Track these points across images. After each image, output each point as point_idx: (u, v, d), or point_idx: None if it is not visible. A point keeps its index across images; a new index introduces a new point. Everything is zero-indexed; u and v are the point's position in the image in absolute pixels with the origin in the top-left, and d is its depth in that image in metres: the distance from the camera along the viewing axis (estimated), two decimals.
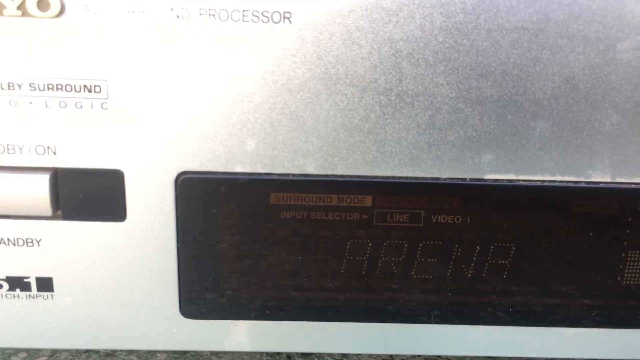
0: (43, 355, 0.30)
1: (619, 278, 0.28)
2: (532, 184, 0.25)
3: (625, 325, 0.29)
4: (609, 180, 0.25)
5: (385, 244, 0.27)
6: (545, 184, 0.25)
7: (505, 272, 0.27)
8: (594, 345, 0.29)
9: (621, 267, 0.27)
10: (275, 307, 0.27)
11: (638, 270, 0.27)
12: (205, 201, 0.25)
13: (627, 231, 0.27)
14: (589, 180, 0.25)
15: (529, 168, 0.25)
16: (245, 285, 0.27)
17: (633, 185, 0.25)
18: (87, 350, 0.30)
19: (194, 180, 0.25)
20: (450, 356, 0.31)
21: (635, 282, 0.28)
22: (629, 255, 0.27)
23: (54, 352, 0.30)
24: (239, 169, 0.25)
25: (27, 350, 0.30)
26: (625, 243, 0.27)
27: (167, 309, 0.27)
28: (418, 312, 0.28)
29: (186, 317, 0.27)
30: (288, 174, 0.25)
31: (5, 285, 0.26)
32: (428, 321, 0.28)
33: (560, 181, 0.25)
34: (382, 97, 0.24)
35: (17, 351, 0.30)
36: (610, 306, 0.28)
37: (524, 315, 0.28)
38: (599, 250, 0.27)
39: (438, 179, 0.25)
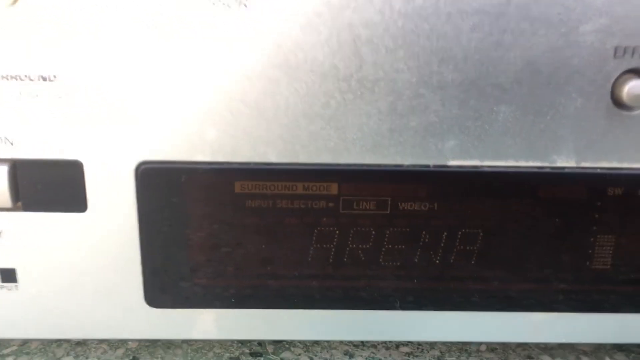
0: (13, 345, 0.30)
1: (588, 263, 0.27)
2: (497, 169, 0.25)
3: (596, 310, 0.28)
4: (573, 165, 0.25)
5: (352, 231, 0.27)
6: (510, 169, 0.25)
7: (474, 258, 0.27)
8: (563, 329, 0.29)
9: (590, 251, 0.27)
10: (241, 295, 0.27)
11: (607, 255, 0.27)
12: (166, 191, 0.25)
13: (596, 216, 0.27)
14: (553, 165, 0.25)
15: (493, 153, 0.25)
16: (211, 274, 0.27)
17: (599, 170, 0.25)
18: (57, 340, 0.30)
19: (154, 170, 0.25)
20: (422, 342, 0.31)
21: (604, 267, 0.28)
22: (598, 240, 0.27)
23: (25, 342, 0.30)
24: (199, 157, 0.25)
25: None
26: (594, 228, 0.27)
27: (132, 298, 0.26)
28: (387, 298, 0.28)
29: (152, 306, 0.27)
30: (250, 163, 0.25)
31: None
32: (398, 307, 0.28)
33: (525, 167, 0.25)
34: (342, 84, 0.24)
35: None
36: (580, 291, 0.28)
37: (493, 300, 0.28)
38: (567, 236, 0.27)
39: (401, 165, 0.25)
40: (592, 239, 0.27)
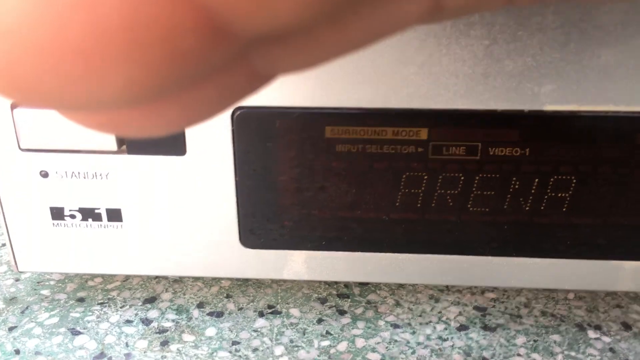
0: (117, 281, 0.32)
1: None
2: (595, 113, 0.24)
3: None
4: None
5: (441, 177, 0.27)
6: (609, 113, 0.24)
7: (565, 205, 0.27)
8: None
9: None
10: (332, 238, 0.28)
11: None
12: (261, 135, 0.26)
13: None
14: None
15: (592, 98, 0.24)
16: (302, 217, 0.27)
17: None
18: (156, 277, 0.32)
19: (250, 115, 0.25)
20: (507, 287, 0.31)
21: None
22: None
23: (127, 278, 0.32)
24: (293, 103, 0.25)
25: (102, 276, 0.33)
26: None
27: (228, 239, 0.28)
28: (474, 244, 0.28)
29: (246, 247, 0.28)
30: (341, 108, 0.25)
31: (79, 216, 0.28)
32: (484, 253, 0.28)
33: (625, 111, 0.24)
34: (436, 27, 0.23)
35: (93, 276, 0.33)
36: None
37: (583, 248, 0.28)
38: None
39: (495, 111, 0.25)
40: None
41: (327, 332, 0.28)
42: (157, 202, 0.27)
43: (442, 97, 0.25)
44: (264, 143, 0.26)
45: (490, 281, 0.30)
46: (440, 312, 0.30)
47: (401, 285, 0.32)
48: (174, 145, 0.26)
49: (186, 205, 0.27)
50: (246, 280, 0.32)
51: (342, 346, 0.28)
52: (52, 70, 0.09)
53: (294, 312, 0.30)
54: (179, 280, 0.32)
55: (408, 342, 0.28)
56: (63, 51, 0.09)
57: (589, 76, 0.24)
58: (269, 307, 0.30)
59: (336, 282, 0.32)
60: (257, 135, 0.26)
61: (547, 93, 0.24)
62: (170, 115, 0.11)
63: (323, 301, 0.31)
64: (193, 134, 0.26)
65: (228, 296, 0.31)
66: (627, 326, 0.29)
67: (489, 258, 0.29)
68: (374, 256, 0.29)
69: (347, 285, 0.32)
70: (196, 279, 0.32)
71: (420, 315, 0.30)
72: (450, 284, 0.31)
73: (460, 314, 0.30)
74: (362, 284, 0.32)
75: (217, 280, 0.32)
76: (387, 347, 0.27)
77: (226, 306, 0.30)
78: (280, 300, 0.31)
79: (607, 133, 0.25)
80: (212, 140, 0.26)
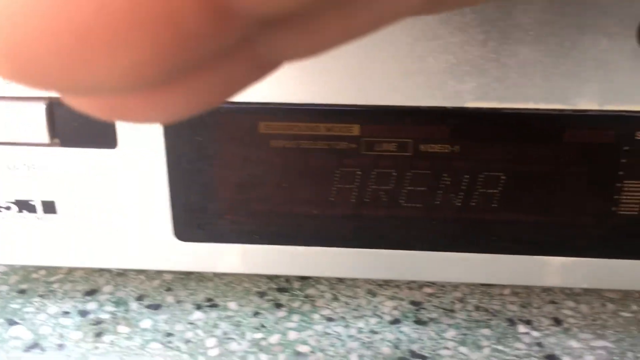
0: (60, 273, 0.33)
1: (615, 208, 0.27)
2: (517, 112, 0.25)
3: (623, 256, 0.28)
4: (596, 107, 0.24)
5: (374, 172, 0.27)
6: (531, 112, 0.25)
7: (496, 201, 0.27)
8: (589, 274, 0.29)
9: (616, 197, 0.27)
10: (265, 232, 0.28)
11: (634, 201, 0.27)
12: (191, 129, 0.26)
13: (623, 160, 0.26)
14: (575, 108, 0.24)
15: (513, 95, 0.24)
16: (237, 210, 0.28)
17: (624, 113, 0.25)
18: (100, 270, 0.33)
19: None
20: (445, 283, 0.32)
21: (631, 213, 0.27)
22: (625, 185, 0.27)
23: (70, 271, 0.33)
24: None
25: (47, 268, 0.33)
26: (620, 173, 0.26)
27: (163, 232, 0.28)
28: (409, 239, 0.29)
29: (180, 240, 0.28)
30: (272, 103, 0.26)
31: (14, 208, 0.28)
32: (419, 248, 0.29)
33: (545, 109, 0.25)
34: None
35: (37, 269, 0.33)
36: (605, 236, 0.28)
37: (515, 244, 0.28)
38: (592, 180, 0.27)
39: (419, 107, 0.25)
40: (618, 184, 0.27)
41: (262, 325, 0.29)
42: (91, 195, 0.27)
43: (373, 94, 0.25)
44: (194, 137, 0.26)
45: (426, 276, 0.30)
46: (375, 307, 0.30)
47: (341, 280, 0.32)
48: (105, 138, 0.26)
49: (119, 198, 0.27)
50: (189, 273, 0.32)
51: (274, 338, 0.28)
52: (55, 52, 0.09)
53: (232, 305, 0.30)
54: (122, 273, 0.32)
55: (339, 335, 0.28)
56: (66, 33, 0.09)
57: (509, 74, 0.24)
58: (208, 300, 0.31)
59: (277, 277, 0.32)
60: (187, 129, 0.26)
61: (469, 90, 0.25)
62: (174, 102, 0.11)
63: (262, 295, 0.31)
64: (125, 127, 0.26)
65: (169, 289, 0.31)
66: (558, 321, 0.29)
67: (425, 253, 0.29)
68: (314, 250, 0.29)
69: (288, 279, 0.32)
70: (139, 272, 0.33)
71: (355, 309, 0.30)
72: (387, 278, 0.31)
73: (395, 308, 0.30)
74: (303, 279, 0.32)
75: (159, 273, 0.32)
76: (318, 340, 0.28)
77: (165, 299, 0.31)
78: (219, 294, 0.31)
79: (533, 130, 0.26)
80: (144, 133, 0.26)
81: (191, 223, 0.28)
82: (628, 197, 0.27)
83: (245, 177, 0.27)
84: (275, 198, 0.28)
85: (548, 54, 0.24)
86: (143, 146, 0.26)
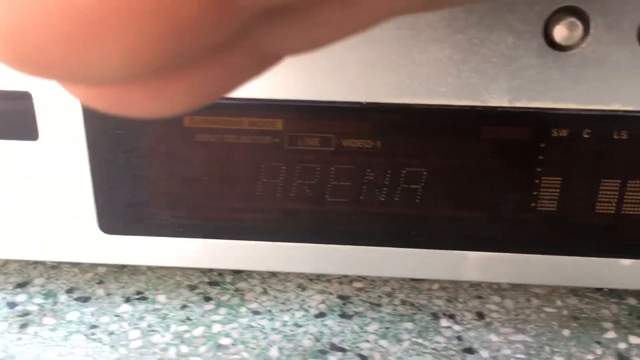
0: None
1: (533, 204, 0.28)
2: (431, 108, 0.25)
3: (540, 252, 0.28)
4: (506, 104, 0.25)
5: (298, 167, 0.28)
6: (442, 108, 0.25)
7: (418, 197, 0.28)
8: (515, 270, 0.29)
9: (535, 193, 0.27)
10: (189, 226, 0.29)
11: (552, 197, 0.27)
12: (113, 122, 0.26)
13: (540, 157, 0.27)
14: (486, 104, 0.25)
15: (425, 92, 0.25)
16: (161, 204, 0.28)
17: (538, 110, 0.25)
18: (34, 262, 0.33)
19: None
20: (375, 277, 0.32)
21: (550, 209, 0.28)
22: (543, 181, 0.27)
23: (5, 263, 0.33)
24: None
25: None
26: (538, 169, 0.27)
27: (87, 224, 0.28)
28: (336, 233, 0.29)
29: (105, 232, 0.28)
30: None
31: None
32: (347, 242, 0.29)
33: (459, 106, 0.25)
34: None
35: None
36: (525, 232, 0.28)
37: (440, 238, 0.28)
38: (511, 176, 0.27)
39: (335, 102, 0.26)
40: (536, 180, 0.27)
41: (188, 318, 0.29)
42: (15, 187, 0.28)
43: (296, 88, 0.26)
44: (116, 130, 0.26)
45: (354, 270, 0.30)
46: (303, 300, 0.30)
47: (273, 274, 0.32)
48: (26, 130, 0.26)
49: (43, 190, 0.28)
50: (122, 267, 0.33)
51: (199, 331, 0.28)
52: (55, 39, 0.09)
53: (161, 298, 0.30)
54: (55, 266, 0.33)
55: (263, 328, 0.28)
56: (66, 19, 0.09)
57: (420, 71, 0.25)
58: (138, 293, 0.31)
59: (211, 270, 0.33)
60: (109, 122, 0.26)
61: (382, 86, 0.25)
62: (174, 95, 0.11)
63: (192, 288, 0.31)
64: (45, 119, 0.26)
65: (100, 282, 0.32)
66: (481, 316, 0.30)
67: (352, 247, 0.29)
68: (245, 244, 0.30)
69: (221, 273, 0.32)
70: (73, 264, 0.33)
71: (283, 303, 0.30)
72: (317, 272, 0.32)
73: (322, 302, 0.30)
74: (236, 272, 0.32)
75: (93, 266, 0.33)
76: (241, 333, 0.28)
77: (95, 292, 0.31)
78: (150, 287, 0.31)
79: (451, 127, 0.26)
80: (65, 125, 0.26)
81: (115, 216, 0.28)
82: (546, 194, 0.27)
83: (170, 171, 0.28)
84: (201, 192, 0.28)
85: (457, 51, 0.24)
86: (64, 139, 0.26)
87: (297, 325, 0.29)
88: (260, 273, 0.32)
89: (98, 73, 0.10)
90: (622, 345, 0.28)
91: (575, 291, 0.31)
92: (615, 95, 0.24)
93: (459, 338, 0.28)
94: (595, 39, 0.23)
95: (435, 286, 0.32)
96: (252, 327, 0.29)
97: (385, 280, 0.32)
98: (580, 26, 0.22)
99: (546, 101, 0.25)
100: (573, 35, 0.22)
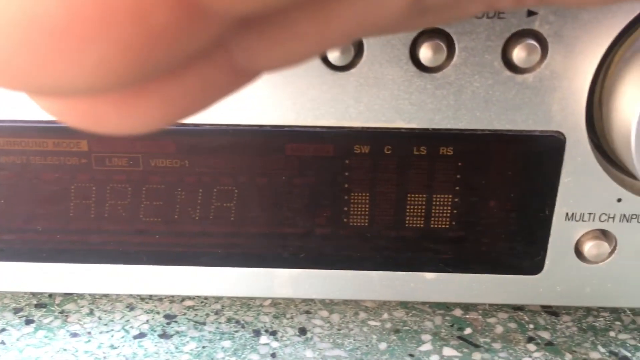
0: None
1: (346, 220, 0.28)
2: (237, 127, 0.26)
3: (352, 267, 0.29)
4: (309, 124, 0.25)
5: (109, 187, 0.28)
6: (243, 127, 0.26)
7: (233, 215, 0.28)
8: (313, 284, 0.30)
9: (346, 209, 0.28)
10: (12, 249, 0.28)
11: (361, 212, 0.28)
12: None
13: (346, 173, 0.27)
14: (290, 124, 0.25)
15: (231, 111, 0.25)
16: None
17: (341, 130, 0.26)
18: None
19: None
20: (209, 296, 0.32)
21: (361, 224, 0.28)
22: (352, 197, 0.28)
23: None
24: None
25: None
26: (346, 185, 0.27)
27: None
28: (150, 253, 0.29)
29: None
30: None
31: None
32: (161, 263, 0.29)
33: (266, 125, 0.26)
34: None
35: None
36: (336, 247, 0.28)
37: (248, 257, 0.29)
38: (322, 193, 0.27)
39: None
40: (346, 196, 0.28)
41: (2, 342, 0.28)
42: None
43: None
44: None
45: (183, 290, 0.30)
46: (127, 321, 0.30)
47: (105, 295, 0.32)
48: None
49: None
50: None
51: (10, 355, 0.28)
52: (19, 49, 0.09)
53: None
54: None
55: (76, 352, 0.28)
56: (32, 29, 0.08)
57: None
58: None
59: (41, 293, 0.32)
60: None
61: None
62: (147, 109, 0.11)
63: (17, 311, 0.31)
64: None
65: None
66: (303, 332, 0.30)
67: (176, 267, 0.29)
68: (74, 267, 0.29)
69: (51, 295, 0.32)
70: None
71: (106, 324, 0.30)
72: (145, 293, 0.31)
73: (146, 322, 0.30)
74: (66, 294, 0.32)
75: None
76: (52, 357, 0.28)
77: None
78: None
79: (256, 145, 0.26)
80: None
81: None
82: (356, 209, 0.28)
83: None
84: (15, 215, 0.28)
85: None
86: None
87: (112, 347, 0.28)
88: (92, 295, 0.32)
89: (66, 84, 0.09)
90: (434, 358, 0.28)
91: (405, 304, 0.32)
92: (397, 113, 0.25)
93: (273, 355, 0.28)
94: (369, 59, 0.24)
95: (267, 302, 0.32)
96: (65, 350, 0.28)
97: (218, 298, 0.32)
98: (352, 50, 0.23)
99: (343, 120, 0.25)
100: (346, 57, 0.23)
